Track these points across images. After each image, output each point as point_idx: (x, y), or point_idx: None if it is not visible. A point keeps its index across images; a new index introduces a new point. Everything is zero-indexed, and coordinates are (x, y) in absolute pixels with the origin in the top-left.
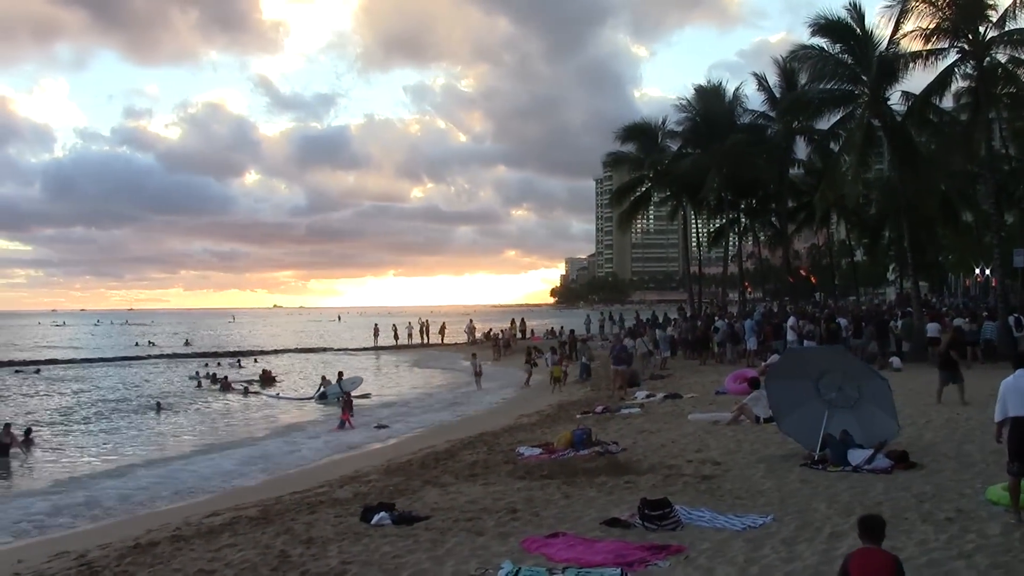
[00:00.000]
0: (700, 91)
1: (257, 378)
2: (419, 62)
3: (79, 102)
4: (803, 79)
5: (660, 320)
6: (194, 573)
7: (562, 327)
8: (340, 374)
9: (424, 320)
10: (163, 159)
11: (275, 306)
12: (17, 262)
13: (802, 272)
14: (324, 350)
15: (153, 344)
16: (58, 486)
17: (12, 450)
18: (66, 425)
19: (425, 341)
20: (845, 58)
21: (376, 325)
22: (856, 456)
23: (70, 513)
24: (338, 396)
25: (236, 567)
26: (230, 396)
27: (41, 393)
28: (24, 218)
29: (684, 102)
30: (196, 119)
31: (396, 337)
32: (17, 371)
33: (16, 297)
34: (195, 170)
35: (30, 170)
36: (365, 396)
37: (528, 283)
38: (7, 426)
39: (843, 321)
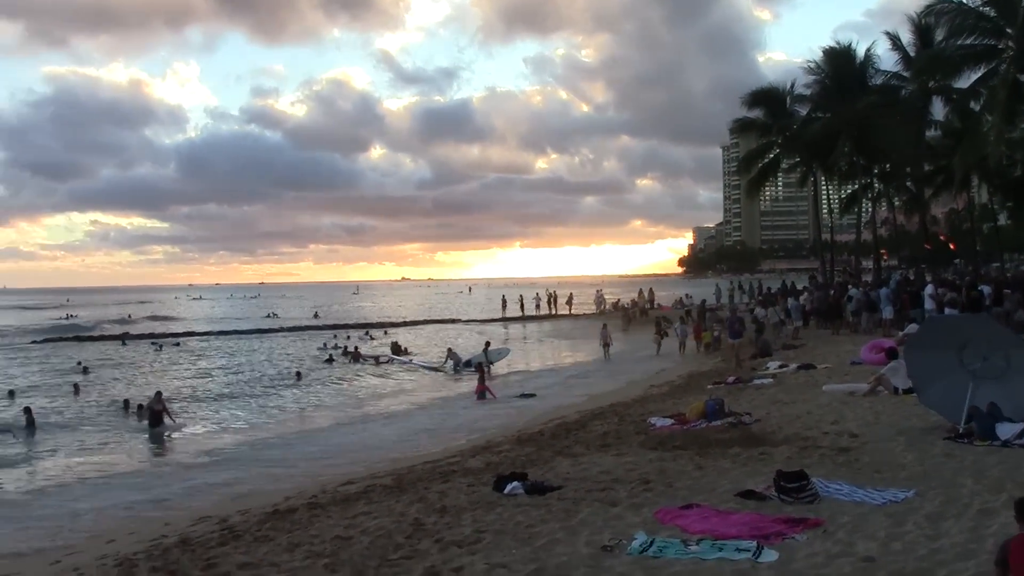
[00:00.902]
0: (829, 53)
1: (389, 349)
2: (539, 33)
3: (209, 83)
4: (940, 36)
5: (791, 289)
6: (331, 539)
7: (689, 296)
8: (487, 344)
9: (552, 291)
10: (291, 136)
11: (403, 279)
12: (155, 239)
13: (941, 238)
14: (453, 321)
15: (276, 316)
16: (202, 454)
17: (165, 420)
18: (208, 396)
19: (553, 312)
20: (987, 11)
21: (504, 296)
22: (1005, 430)
23: (213, 479)
24: (482, 365)
25: (372, 534)
26: (361, 367)
27: (182, 365)
28: (161, 197)
29: (812, 64)
30: (321, 96)
31: (523, 308)
32: (153, 343)
33: (155, 272)
34: (322, 146)
35: (165, 151)
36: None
37: (655, 253)
38: (159, 394)
39: (986, 289)
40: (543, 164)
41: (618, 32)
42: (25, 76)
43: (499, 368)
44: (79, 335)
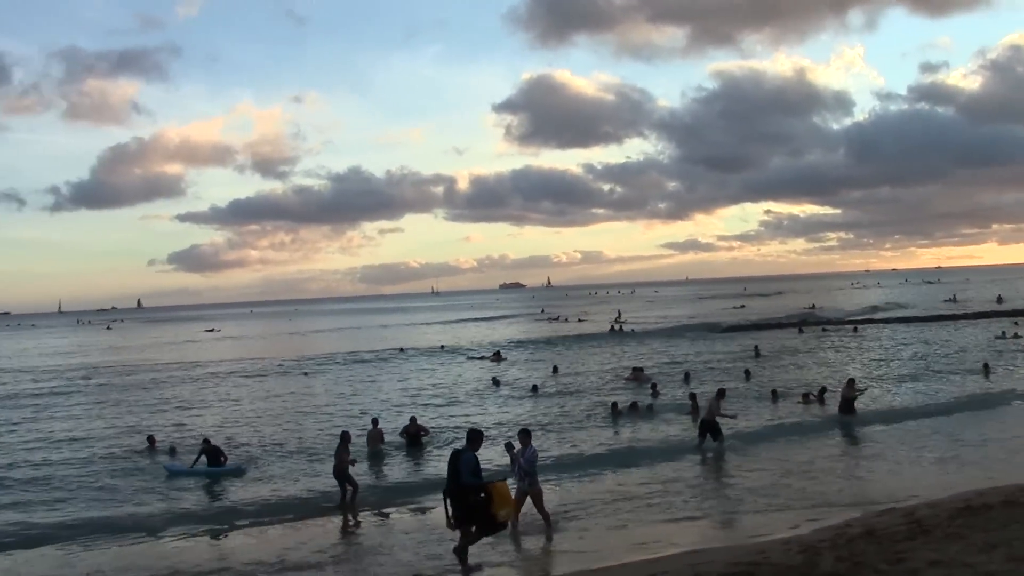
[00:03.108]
0: None
1: None
2: None
3: (874, 64)
4: None
5: None
6: None
7: None
8: None
9: None
10: (964, 111)
11: None
12: (828, 225)
13: None
14: None
15: (955, 301)
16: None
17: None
18: (888, 387)
19: None
20: None
21: None
22: None
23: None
24: None
25: None
26: None
27: (859, 349)
28: (831, 183)
29: None
30: (997, 64)
31: None
32: (825, 330)
33: (828, 259)
34: (1001, 118)
35: (833, 136)
36: None
37: None
38: (811, 394)
39: None
40: None
41: None
42: (693, 75)
43: None
44: (757, 323)
